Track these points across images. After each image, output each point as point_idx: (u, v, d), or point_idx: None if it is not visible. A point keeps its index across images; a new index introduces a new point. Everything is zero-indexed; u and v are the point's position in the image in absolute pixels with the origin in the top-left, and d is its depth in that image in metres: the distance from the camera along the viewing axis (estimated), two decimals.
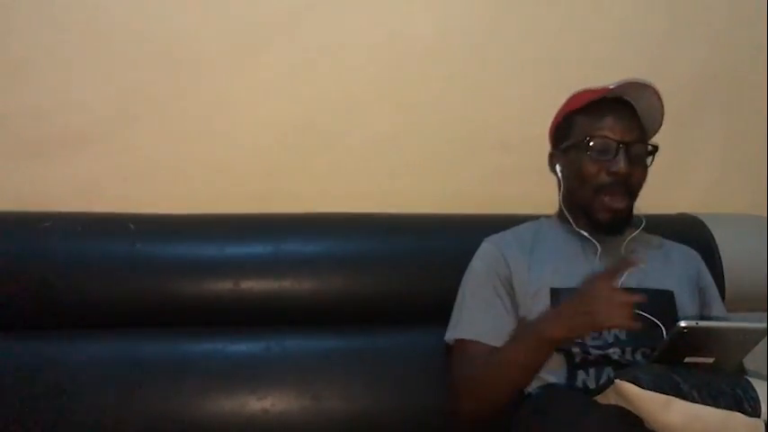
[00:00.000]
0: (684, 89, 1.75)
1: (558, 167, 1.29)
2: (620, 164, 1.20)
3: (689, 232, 1.50)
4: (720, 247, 1.50)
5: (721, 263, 1.48)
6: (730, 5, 1.75)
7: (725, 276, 1.47)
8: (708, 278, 1.34)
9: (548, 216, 1.36)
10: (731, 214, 1.63)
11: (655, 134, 1.29)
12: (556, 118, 1.32)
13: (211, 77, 1.57)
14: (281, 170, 1.61)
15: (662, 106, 1.25)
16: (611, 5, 1.71)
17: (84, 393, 1.22)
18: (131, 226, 1.36)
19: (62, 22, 1.52)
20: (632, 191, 1.23)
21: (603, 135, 1.22)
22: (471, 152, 1.66)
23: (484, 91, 1.67)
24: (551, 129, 1.33)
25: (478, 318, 1.24)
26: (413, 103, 1.64)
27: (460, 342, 1.24)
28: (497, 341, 1.20)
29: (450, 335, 1.26)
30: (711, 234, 1.51)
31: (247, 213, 1.46)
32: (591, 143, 1.22)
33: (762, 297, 1.46)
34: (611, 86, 1.23)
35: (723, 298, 1.41)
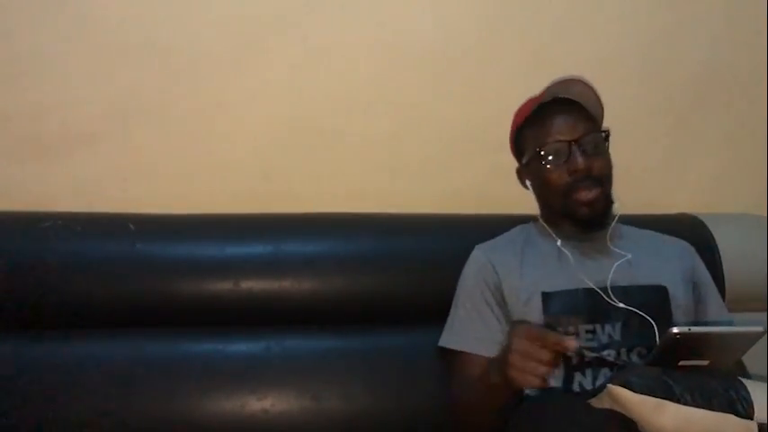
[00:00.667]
0: (684, 89, 1.75)
1: (527, 182, 1.31)
2: (577, 161, 1.21)
3: (689, 232, 1.49)
4: (720, 247, 1.49)
5: (721, 263, 1.48)
6: (730, 5, 1.75)
7: (725, 276, 1.47)
8: (703, 273, 1.34)
9: (533, 221, 1.36)
10: (731, 214, 1.63)
11: (602, 120, 1.30)
12: (510, 135, 1.35)
13: (211, 77, 1.57)
14: (282, 170, 1.61)
15: (596, 94, 1.26)
16: (612, 5, 1.71)
17: (84, 393, 1.22)
18: (131, 226, 1.36)
19: (62, 22, 1.52)
20: (600, 180, 1.24)
21: (551, 140, 1.23)
22: (471, 152, 1.66)
23: (484, 91, 1.67)
24: (510, 146, 1.36)
25: (468, 327, 1.26)
26: (413, 103, 1.64)
27: (451, 352, 1.26)
28: (486, 350, 1.22)
29: (444, 341, 1.28)
30: (711, 234, 1.51)
31: (247, 213, 1.46)
32: (542, 152, 1.24)
33: (762, 297, 1.46)
34: (542, 91, 1.25)
35: (723, 298, 1.41)
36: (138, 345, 1.30)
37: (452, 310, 1.30)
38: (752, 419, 0.95)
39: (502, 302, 1.25)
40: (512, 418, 1.08)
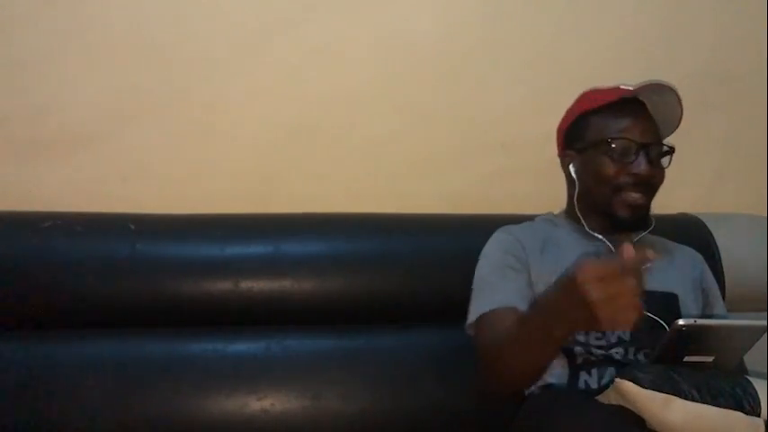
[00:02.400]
0: (684, 89, 1.74)
1: (571, 168, 1.28)
2: (642, 166, 1.20)
3: (689, 232, 1.50)
4: (720, 247, 1.49)
5: (721, 263, 1.48)
6: (730, 5, 1.75)
7: (725, 276, 1.47)
8: (711, 279, 1.34)
9: (554, 214, 1.35)
10: (731, 214, 1.63)
11: (670, 135, 1.28)
12: (567, 118, 1.31)
13: (211, 78, 1.57)
14: (281, 170, 1.61)
15: (681, 109, 1.24)
16: (612, 5, 1.71)
17: (83, 393, 1.22)
18: (131, 226, 1.36)
19: (62, 22, 1.52)
20: (652, 190, 1.24)
21: (624, 136, 1.21)
22: (471, 152, 1.66)
23: (484, 91, 1.67)
24: (562, 129, 1.32)
25: (500, 290, 1.20)
26: (413, 103, 1.64)
27: (482, 317, 1.18)
28: (521, 304, 1.16)
29: (471, 317, 1.20)
30: (711, 234, 1.51)
31: (247, 213, 1.46)
32: (612, 144, 1.21)
33: (762, 297, 1.46)
34: (630, 87, 1.22)
35: (723, 298, 1.41)
36: (138, 345, 1.30)
37: (476, 287, 1.23)
38: (759, 416, 0.95)
39: (528, 277, 1.22)
40: (518, 414, 1.07)
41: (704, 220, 1.55)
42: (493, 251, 1.27)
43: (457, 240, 1.41)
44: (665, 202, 1.62)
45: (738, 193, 1.75)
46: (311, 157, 1.62)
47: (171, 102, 1.56)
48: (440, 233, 1.47)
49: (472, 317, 1.21)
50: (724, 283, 1.47)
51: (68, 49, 1.52)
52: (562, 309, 0.95)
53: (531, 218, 1.38)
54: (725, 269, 1.48)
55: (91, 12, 1.53)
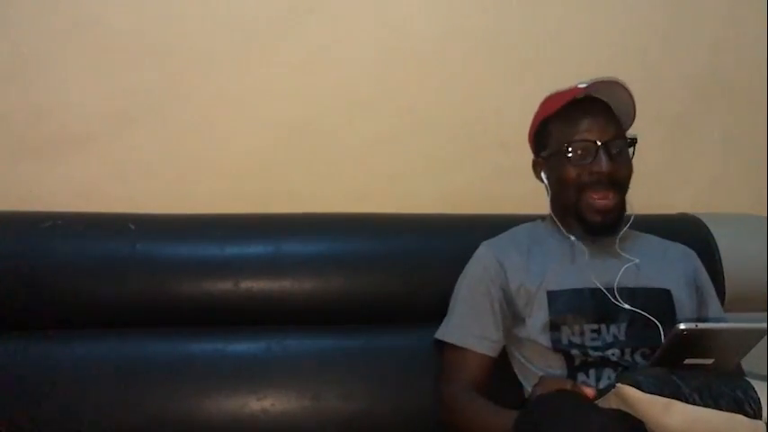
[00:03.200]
0: (685, 89, 1.75)
1: (542, 175, 1.29)
2: (602, 163, 1.20)
3: (689, 232, 1.50)
4: (720, 247, 1.49)
5: (721, 263, 1.48)
6: (730, 6, 1.76)
7: (725, 276, 1.47)
8: (704, 276, 1.34)
9: (542, 218, 1.36)
10: (731, 214, 1.63)
11: (629, 127, 1.28)
12: (532, 125, 1.32)
13: (211, 78, 1.57)
14: (281, 170, 1.61)
15: (632, 100, 1.24)
16: (612, 6, 1.71)
17: (83, 393, 1.23)
18: (131, 226, 1.36)
19: (62, 22, 1.52)
20: (619, 186, 1.23)
21: (581, 138, 1.22)
22: (471, 152, 1.66)
23: (484, 91, 1.67)
24: (530, 136, 1.33)
25: (466, 323, 1.25)
26: (413, 104, 1.64)
27: (449, 346, 1.26)
28: (482, 347, 1.24)
29: (440, 334, 1.28)
30: (711, 234, 1.51)
31: (247, 213, 1.46)
32: (569, 149, 1.22)
33: (762, 297, 1.46)
34: (581, 86, 1.23)
35: (723, 298, 1.41)
36: (138, 345, 1.30)
37: (452, 305, 1.29)
38: (760, 420, 0.95)
39: (506, 301, 1.25)
40: (517, 418, 1.07)
41: (704, 220, 1.54)
42: (473, 273, 1.29)
43: (457, 240, 1.41)
44: (666, 202, 1.62)
45: (738, 193, 1.75)
46: (311, 157, 1.62)
47: (171, 102, 1.56)
48: (440, 233, 1.47)
49: (440, 334, 1.28)
50: (724, 282, 1.46)
51: (68, 49, 1.52)
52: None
53: (531, 218, 1.38)
54: (725, 269, 1.48)
55: (91, 12, 1.53)
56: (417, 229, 1.47)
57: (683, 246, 1.36)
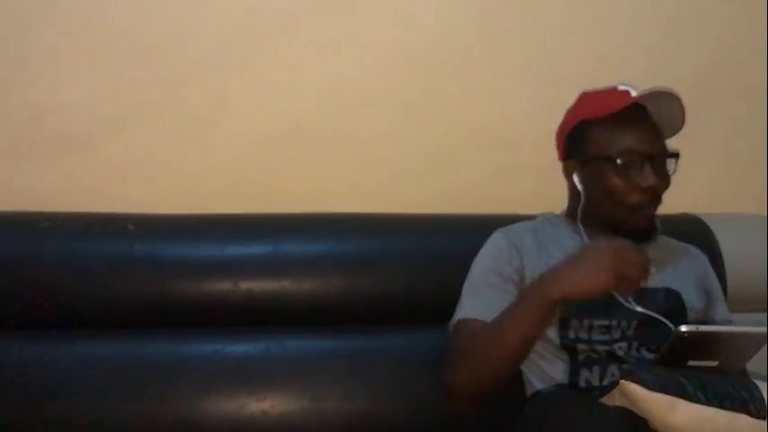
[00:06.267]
0: (684, 89, 1.73)
1: (575, 178, 1.25)
2: (650, 179, 1.18)
3: (690, 232, 1.49)
4: (722, 247, 1.49)
5: (723, 263, 1.48)
6: (730, 6, 1.75)
7: (727, 276, 1.47)
8: (714, 281, 1.34)
9: (556, 215, 1.34)
10: (733, 214, 1.63)
11: (669, 138, 1.26)
12: (567, 123, 1.28)
13: (211, 77, 1.57)
14: (281, 170, 1.61)
15: (683, 114, 1.22)
16: (612, 6, 1.71)
17: (83, 393, 1.22)
18: (130, 226, 1.36)
19: (61, 22, 1.52)
20: (659, 200, 1.23)
21: (630, 150, 1.18)
22: (471, 152, 1.66)
23: (484, 91, 1.66)
24: (562, 135, 1.29)
25: (483, 299, 1.20)
26: (413, 103, 1.64)
27: (462, 322, 1.20)
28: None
29: (454, 318, 1.23)
30: (713, 234, 1.51)
31: (247, 213, 1.46)
32: (617, 160, 1.18)
33: (764, 297, 1.46)
34: (628, 89, 1.20)
35: (725, 298, 1.40)
36: (137, 345, 1.30)
37: (468, 288, 1.24)
38: (764, 420, 0.94)
39: (522, 283, 1.22)
40: (519, 415, 1.07)
41: (705, 220, 1.54)
42: (486, 256, 1.26)
43: (457, 240, 1.41)
44: (667, 202, 1.62)
45: (739, 192, 1.75)
46: (311, 157, 1.61)
47: (171, 102, 1.56)
48: (440, 233, 1.47)
49: (455, 318, 1.22)
50: (726, 282, 1.46)
51: (68, 49, 1.52)
52: (567, 271, 1.08)
53: (531, 218, 1.37)
54: (727, 269, 1.48)
55: (91, 12, 1.52)
56: (417, 229, 1.47)
57: (693, 247, 1.36)
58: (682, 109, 1.22)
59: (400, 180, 1.64)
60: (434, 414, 1.26)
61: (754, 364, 1.18)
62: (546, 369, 1.19)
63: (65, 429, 1.20)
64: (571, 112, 1.29)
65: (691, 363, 1.01)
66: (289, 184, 1.60)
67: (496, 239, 1.28)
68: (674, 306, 1.22)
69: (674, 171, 1.23)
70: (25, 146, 1.51)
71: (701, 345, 1.00)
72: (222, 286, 1.34)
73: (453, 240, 1.42)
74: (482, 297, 1.21)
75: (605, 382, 1.14)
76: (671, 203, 1.62)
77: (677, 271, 1.27)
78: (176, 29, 1.55)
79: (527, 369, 1.23)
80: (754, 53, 1.76)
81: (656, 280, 1.23)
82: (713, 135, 1.77)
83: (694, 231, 1.51)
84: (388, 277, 1.40)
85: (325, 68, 1.61)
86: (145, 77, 1.55)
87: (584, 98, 1.27)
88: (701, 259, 1.35)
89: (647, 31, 1.73)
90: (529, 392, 1.23)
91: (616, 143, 1.19)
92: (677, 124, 1.24)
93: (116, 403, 1.22)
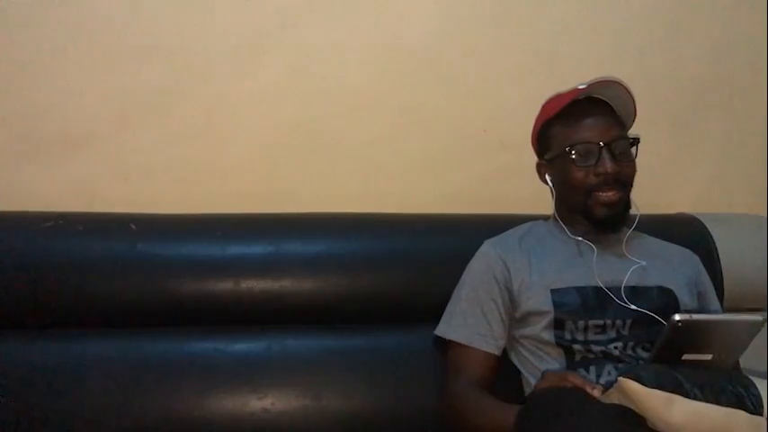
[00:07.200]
0: (684, 89, 1.75)
1: (548, 178, 1.30)
2: (606, 164, 1.21)
3: (688, 232, 1.50)
4: (719, 247, 1.50)
5: (720, 263, 1.48)
6: (730, 6, 1.76)
7: (724, 276, 1.48)
8: (707, 281, 1.35)
9: (546, 218, 1.36)
10: (730, 214, 1.63)
11: (631, 126, 1.29)
12: (534, 128, 1.33)
13: (212, 78, 1.57)
14: (281, 170, 1.61)
15: (632, 98, 1.25)
16: (611, 6, 1.72)
17: (84, 393, 1.23)
18: (132, 226, 1.37)
19: (62, 22, 1.52)
20: (623, 184, 1.24)
21: (584, 140, 1.22)
22: (471, 152, 1.66)
23: (484, 91, 1.67)
24: (532, 140, 1.34)
25: (471, 321, 1.26)
26: (412, 104, 1.65)
27: (454, 344, 1.26)
28: (487, 346, 1.24)
29: (442, 331, 1.28)
30: (710, 234, 1.51)
31: (247, 213, 1.47)
32: (572, 152, 1.22)
33: (761, 297, 1.47)
34: (580, 87, 1.23)
35: (722, 298, 1.41)
36: (138, 345, 1.30)
37: (453, 301, 1.30)
38: (761, 416, 0.95)
39: (509, 299, 1.25)
40: (519, 412, 1.08)
41: (703, 220, 1.55)
42: (477, 270, 1.30)
43: (457, 240, 1.41)
44: (665, 202, 1.63)
45: (738, 193, 1.76)
46: (311, 157, 1.62)
47: (171, 102, 1.56)
48: (440, 233, 1.47)
49: (442, 331, 1.28)
50: (723, 282, 1.47)
51: (68, 50, 1.52)
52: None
53: (531, 218, 1.38)
54: (724, 269, 1.48)
55: (91, 12, 1.53)
56: (417, 229, 1.47)
57: (686, 249, 1.37)
58: (630, 95, 1.24)
59: (400, 180, 1.65)
60: (434, 414, 1.27)
61: (753, 363, 1.19)
62: (543, 369, 1.19)
63: (67, 428, 1.20)
64: (536, 119, 1.33)
65: (686, 356, 1.02)
66: (289, 185, 1.61)
67: (484, 253, 1.31)
68: (667, 303, 1.23)
69: (635, 155, 1.25)
70: (26, 146, 1.52)
71: (696, 335, 1.01)
72: (223, 286, 1.34)
73: (453, 240, 1.43)
74: (470, 320, 1.26)
75: (602, 382, 1.14)
76: (670, 204, 1.64)
77: (670, 271, 1.28)
78: (177, 29, 1.56)
79: (525, 369, 1.25)
80: (754, 53, 1.76)
81: (650, 278, 1.24)
82: (710, 136, 1.78)
83: (692, 231, 1.52)
84: (389, 277, 1.41)
85: (325, 69, 1.61)
86: (145, 78, 1.55)
87: (547, 102, 1.31)
88: (695, 262, 1.36)
89: (647, 32, 1.74)
90: (527, 392, 1.24)
91: (571, 136, 1.24)
92: (631, 113, 1.27)
93: (117, 402, 1.22)
